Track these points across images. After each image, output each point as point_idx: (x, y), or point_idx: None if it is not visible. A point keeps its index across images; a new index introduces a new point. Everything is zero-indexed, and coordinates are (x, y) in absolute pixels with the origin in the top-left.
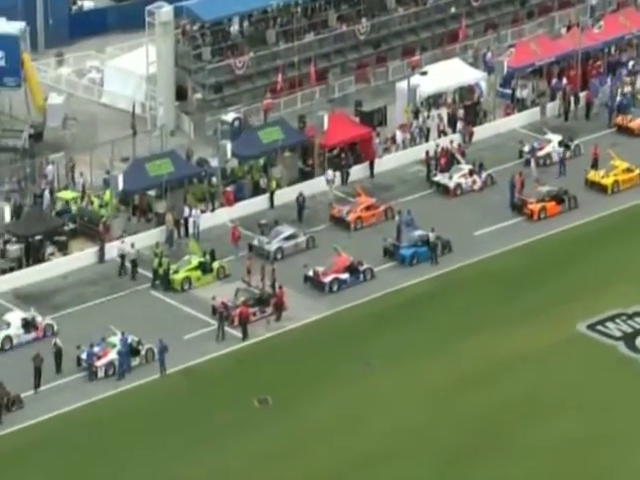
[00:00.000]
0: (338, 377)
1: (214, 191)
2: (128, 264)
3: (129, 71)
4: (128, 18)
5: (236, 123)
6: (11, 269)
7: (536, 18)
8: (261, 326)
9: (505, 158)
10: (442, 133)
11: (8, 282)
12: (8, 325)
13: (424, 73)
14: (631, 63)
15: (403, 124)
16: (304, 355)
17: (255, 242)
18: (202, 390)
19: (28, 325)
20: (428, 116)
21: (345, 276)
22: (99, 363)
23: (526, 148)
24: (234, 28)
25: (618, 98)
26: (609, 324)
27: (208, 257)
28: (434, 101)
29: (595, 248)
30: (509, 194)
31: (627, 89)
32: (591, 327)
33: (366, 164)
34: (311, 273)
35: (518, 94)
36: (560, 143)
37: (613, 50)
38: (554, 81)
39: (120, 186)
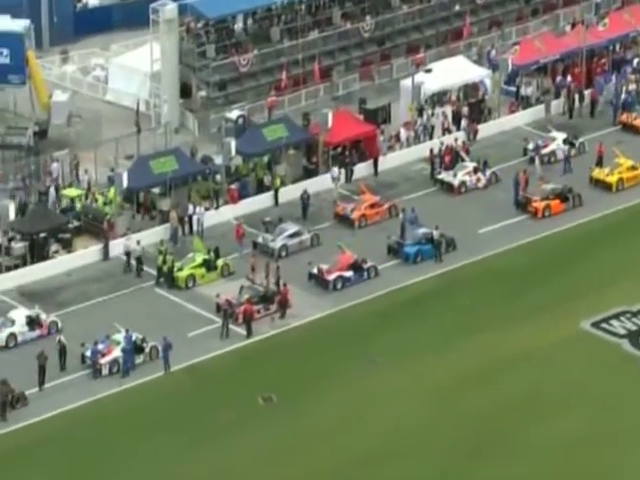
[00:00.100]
0: (342, 375)
1: (218, 189)
2: (133, 261)
3: (134, 69)
4: (133, 16)
5: (240, 120)
6: (16, 266)
7: (541, 15)
8: (265, 324)
9: (509, 156)
10: (446, 131)
11: (13, 279)
12: (13, 322)
13: (428, 71)
14: (636, 61)
15: (407, 122)
16: (308, 353)
17: (259, 240)
18: (206, 388)
19: (32, 322)
20: (432, 114)
21: (349, 274)
22: (103, 360)
23: (530, 146)
24: (238, 26)
25: (623, 96)
26: (613, 322)
27: (212, 255)
28: (438, 99)
29: (599, 246)
30: (513, 192)
31: (632, 87)
32: (595, 325)
33: (370, 162)
34: (315, 271)
35: (522, 92)
36: (565, 141)
37: (618, 48)
38: (559, 79)
39: (124, 184)
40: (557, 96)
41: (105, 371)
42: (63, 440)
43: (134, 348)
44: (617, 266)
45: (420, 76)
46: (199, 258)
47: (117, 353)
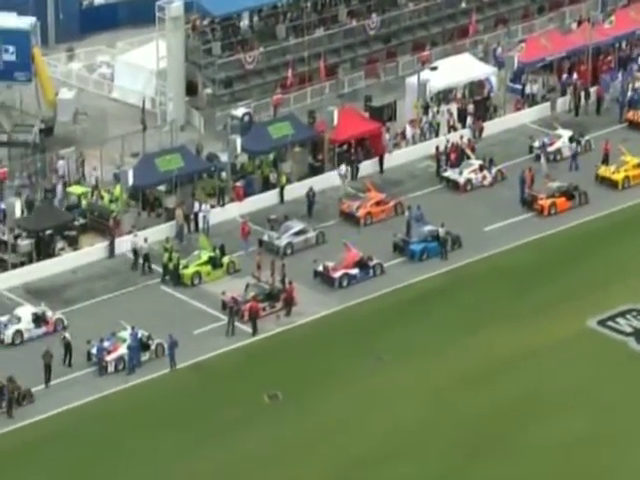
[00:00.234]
0: (348, 372)
1: (224, 186)
2: (141, 259)
3: (139, 66)
4: (138, 13)
5: (246, 118)
6: (22, 264)
7: (547, 13)
8: (271, 321)
9: (515, 153)
10: (452, 128)
11: (19, 277)
12: (19, 320)
13: (434, 68)
14: None
15: (413, 119)
16: (314, 350)
17: (265, 237)
18: (212, 385)
19: (39, 320)
20: (438, 111)
21: (355, 271)
22: (109, 358)
23: (536, 143)
24: (244, 23)
25: (629, 93)
26: (619, 320)
27: (218, 252)
28: (444, 96)
29: (605, 244)
30: (519, 189)
31: (638, 84)
32: (601, 323)
33: (376, 159)
34: (321, 268)
35: (528, 89)
36: (570, 138)
37: (624, 45)
38: (564, 76)
39: (130, 181)
40: (563, 94)
41: (111, 368)
42: (69, 437)
43: (140, 345)
44: (623, 264)
45: (426, 74)
46: (205, 256)
47: (123, 350)
